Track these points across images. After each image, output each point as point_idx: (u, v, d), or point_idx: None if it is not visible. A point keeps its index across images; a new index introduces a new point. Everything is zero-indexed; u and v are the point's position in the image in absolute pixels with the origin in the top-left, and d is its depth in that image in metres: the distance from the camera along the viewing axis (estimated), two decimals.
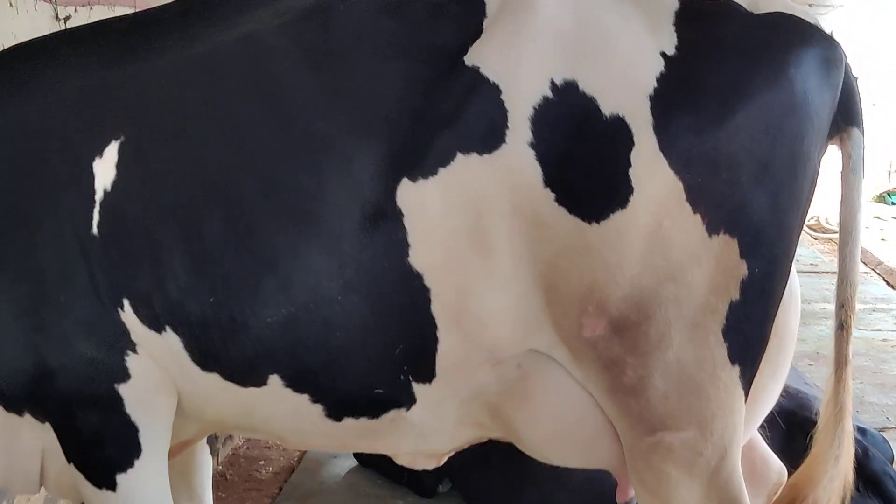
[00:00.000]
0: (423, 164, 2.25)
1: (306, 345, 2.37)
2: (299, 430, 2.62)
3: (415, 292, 2.31)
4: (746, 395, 2.34)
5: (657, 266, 2.19)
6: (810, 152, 2.27)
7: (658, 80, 2.20)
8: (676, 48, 2.22)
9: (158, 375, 2.49)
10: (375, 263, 2.29)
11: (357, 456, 5.24)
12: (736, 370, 2.29)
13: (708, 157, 2.17)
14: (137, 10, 2.69)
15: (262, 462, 5.43)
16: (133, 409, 2.48)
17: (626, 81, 2.20)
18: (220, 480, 5.14)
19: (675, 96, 2.19)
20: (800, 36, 2.27)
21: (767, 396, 2.56)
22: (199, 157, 2.36)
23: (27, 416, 2.61)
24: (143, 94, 2.45)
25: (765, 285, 2.27)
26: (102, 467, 2.55)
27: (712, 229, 2.19)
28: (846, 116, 2.35)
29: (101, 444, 2.52)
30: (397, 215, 2.27)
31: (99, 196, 2.40)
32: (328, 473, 5.24)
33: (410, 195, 2.27)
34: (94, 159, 2.42)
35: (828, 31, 2.33)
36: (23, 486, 2.78)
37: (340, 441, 2.70)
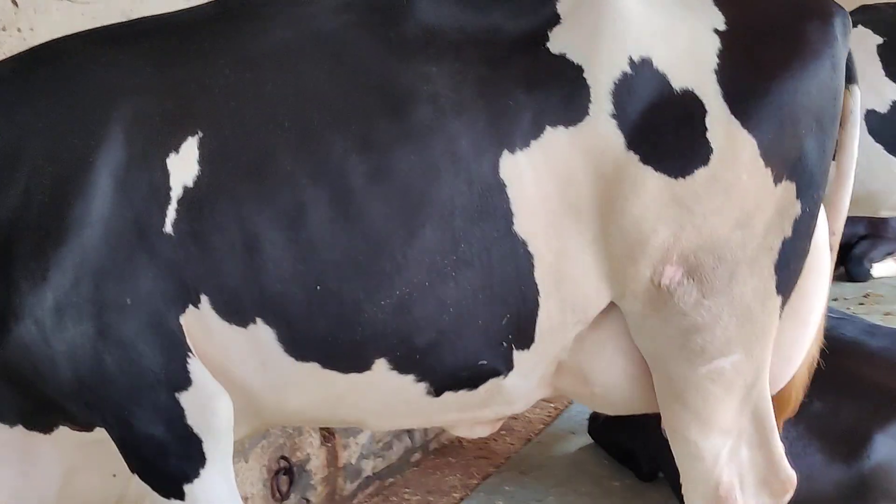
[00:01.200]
0: (517, 136, 2.43)
1: (419, 325, 2.44)
2: (391, 412, 2.68)
3: (520, 260, 2.46)
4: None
5: (732, 216, 2.46)
6: (841, 105, 2.59)
7: (719, 56, 2.48)
8: (726, 24, 2.50)
9: (214, 381, 2.46)
10: (486, 236, 2.43)
11: (592, 434, 5.27)
12: (779, 300, 2.58)
13: (774, 115, 2.45)
14: (165, 13, 2.70)
15: (502, 432, 5.60)
16: (195, 419, 2.44)
17: (690, 59, 2.47)
18: (454, 446, 5.40)
19: (737, 67, 2.47)
20: (827, 6, 2.58)
21: (815, 318, 2.78)
22: (298, 147, 2.40)
23: (57, 433, 2.56)
24: (211, 91, 2.45)
25: (809, 222, 2.57)
26: (169, 479, 2.51)
27: (777, 179, 2.48)
28: (848, 75, 2.62)
29: (166, 457, 2.47)
30: (501, 186, 2.42)
31: (176, 193, 2.37)
32: (559, 449, 5.32)
33: (510, 166, 2.43)
34: (167, 156, 2.38)
35: None
36: None
37: (430, 418, 2.78)
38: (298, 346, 2.45)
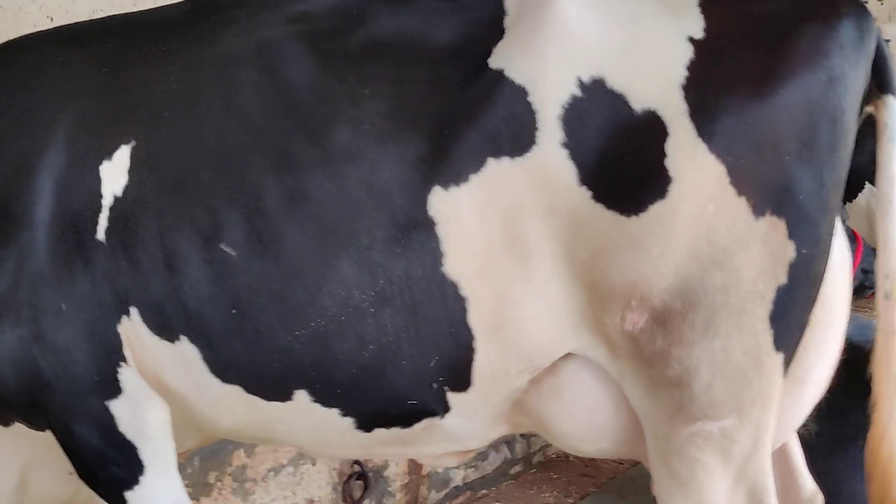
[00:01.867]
0: (454, 171, 2.20)
1: (337, 359, 2.30)
2: (325, 442, 2.57)
3: (450, 302, 2.23)
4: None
5: (701, 253, 2.14)
6: (850, 125, 2.19)
7: (689, 68, 2.15)
8: (705, 30, 2.17)
9: (147, 390, 2.42)
10: (408, 274, 2.23)
11: None
12: (780, 357, 2.22)
13: (749, 137, 2.13)
14: (137, 10, 2.66)
15: None
16: (127, 426, 2.42)
17: (654, 74, 2.16)
18: (559, 461, 5.22)
19: (708, 81, 2.14)
20: (832, 7, 2.18)
21: (817, 377, 2.41)
22: (217, 165, 2.32)
23: (15, 428, 2.55)
24: (153, 97, 2.38)
25: (811, 267, 2.19)
26: (109, 486, 2.49)
27: (758, 211, 2.13)
28: (880, 84, 2.25)
29: (104, 464, 2.46)
30: (429, 224, 2.21)
31: (107, 201, 2.33)
32: None
33: (442, 203, 2.20)
34: (101, 163, 2.34)
35: None
36: None
37: (368, 450, 2.64)
38: (220, 367, 2.36)
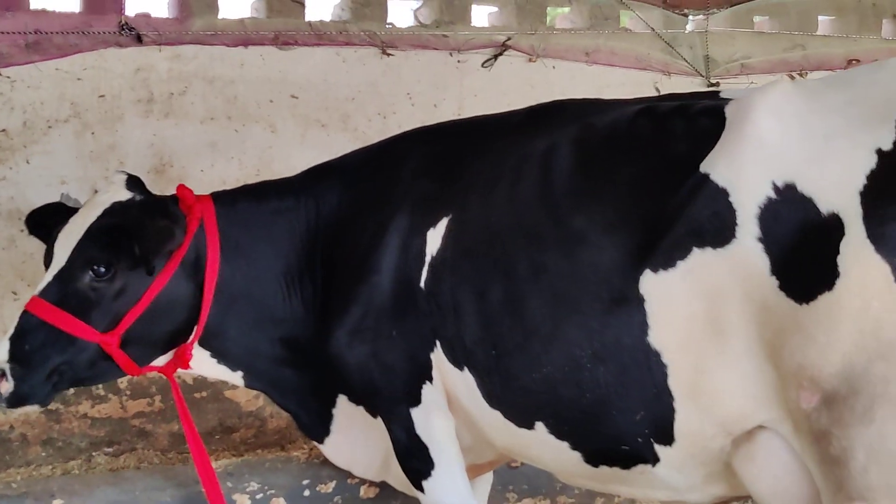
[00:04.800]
0: (663, 257, 2.64)
1: (562, 401, 2.85)
2: (566, 470, 3.11)
3: (653, 368, 2.69)
4: None
5: (867, 345, 2.34)
6: None
7: (868, 176, 2.40)
8: (894, 143, 2.41)
9: (438, 403, 3.14)
10: (619, 340, 2.74)
11: None
12: None
13: None
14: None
15: None
16: (421, 430, 3.21)
17: (838, 180, 2.44)
18: None
19: (884, 188, 2.38)
20: None
21: None
22: (492, 239, 2.99)
23: (378, 419, 3.40)
24: (472, 182, 3.14)
25: None
26: (413, 475, 3.32)
27: None
28: None
29: (409, 457, 3.29)
30: (639, 300, 2.69)
31: (428, 258, 3.12)
32: None
33: (652, 283, 2.67)
34: (429, 229, 3.15)
35: None
36: (363, 471, 3.77)
37: (601, 483, 3.09)
38: (487, 395, 3.04)
